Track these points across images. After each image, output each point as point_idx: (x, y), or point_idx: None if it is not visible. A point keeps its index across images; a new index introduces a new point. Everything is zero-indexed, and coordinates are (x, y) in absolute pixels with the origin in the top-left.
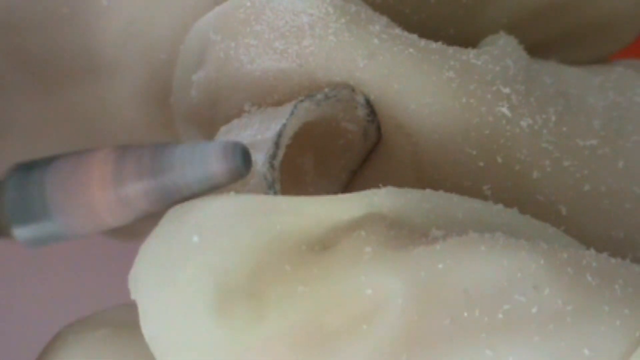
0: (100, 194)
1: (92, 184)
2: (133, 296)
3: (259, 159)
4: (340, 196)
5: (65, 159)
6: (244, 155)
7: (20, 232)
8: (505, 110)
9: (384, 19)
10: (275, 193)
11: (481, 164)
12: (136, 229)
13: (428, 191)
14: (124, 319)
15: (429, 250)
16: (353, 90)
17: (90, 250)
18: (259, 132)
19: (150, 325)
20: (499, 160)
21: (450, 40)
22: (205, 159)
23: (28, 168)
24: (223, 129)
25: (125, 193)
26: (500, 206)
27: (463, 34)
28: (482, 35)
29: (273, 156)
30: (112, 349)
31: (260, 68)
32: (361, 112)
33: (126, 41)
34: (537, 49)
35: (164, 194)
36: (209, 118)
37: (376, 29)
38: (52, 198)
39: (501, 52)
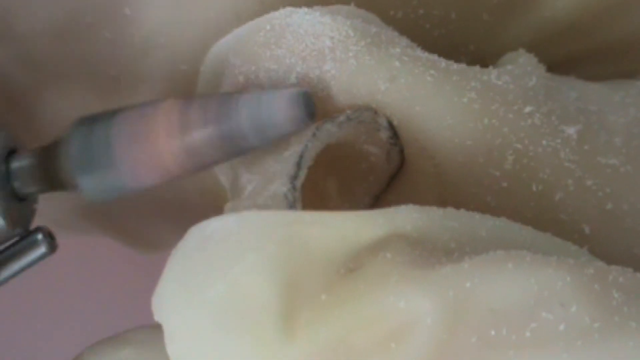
0: (165, 142)
1: (157, 132)
2: (157, 317)
3: (281, 181)
4: (363, 212)
5: (130, 110)
6: (309, 103)
7: (85, 181)
8: (527, 129)
9: (404, 40)
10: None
11: (504, 184)
12: (158, 238)
13: (450, 209)
14: (145, 339)
15: (457, 268)
16: (375, 112)
17: (112, 269)
18: (278, 162)
19: (176, 344)
20: (522, 180)
21: (471, 57)
22: (271, 106)
23: (92, 120)
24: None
25: (192, 140)
26: (522, 226)
27: (483, 51)
28: (503, 52)
29: (295, 177)
30: None
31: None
32: (384, 134)
33: (148, 52)
34: (559, 65)
35: (230, 141)
36: None
37: (397, 51)
38: (117, 147)
39: (522, 71)
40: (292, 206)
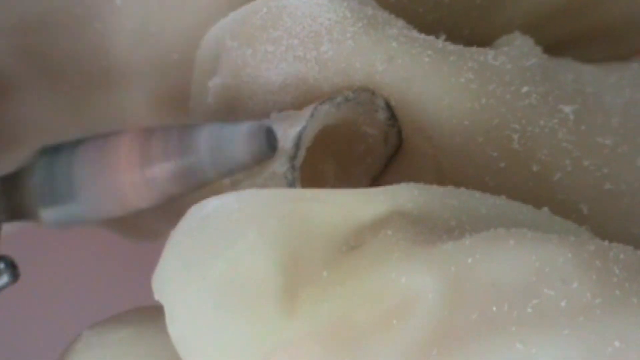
0: (126, 175)
1: (119, 164)
2: (157, 297)
3: (280, 162)
4: (364, 190)
5: (92, 141)
6: (270, 137)
7: (47, 214)
8: (524, 109)
9: (401, 22)
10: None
11: (502, 164)
12: (152, 228)
13: (450, 187)
14: (145, 319)
15: (458, 245)
16: (373, 93)
17: (110, 252)
18: (279, 135)
19: (177, 324)
20: (520, 160)
21: (465, 41)
22: (232, 140)
23: (55, 151)
24: None
25: (152, 173)
26: (521, 204)
27: (478, 34)
28: (497, 35)
29: (293, 157)
30: (134, 350)
31: (279, 74)
32: (381, 115)
33: (139, 41)
34: (553, 47)
35: (191, 175)
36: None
37: (394, 32)
38: (79, 179)
39: (518, 52)
40: (291, 185)
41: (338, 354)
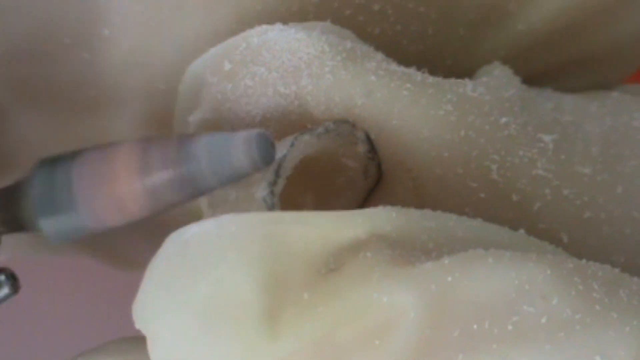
0: (126, 184)
1: (118, 174)
2: (138, 325)
3: (260, 186)
4: (343, 212)
5: (91, 151)
6: (268, 143)
7: (46, 224)
8: (503, 140)
9: (380, 55)
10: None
11: (482, 195)
12: (140, 258)
13: (427, 211)
14: (128, 349)
15: (438, 264)
16: (353, 125)
17: (94, 283)
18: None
19: (160, 349)
20: (500, 190)
21: (448, 71)
22: (230, 148)
23: (53, 162)
24: None
25: (152, 183)
26: (498, 227)
27: (460, 65)
28: (479, 66)
29: (273, 183)
30: None
31: (259, 108)
32: (361, 148)
33: (126, 71)
34: (535, 78)
35: (190, 184)
36: None
37: (373, 65)
38: (78, 190)
39: (497, 83)
40: (271, 209)
41: None
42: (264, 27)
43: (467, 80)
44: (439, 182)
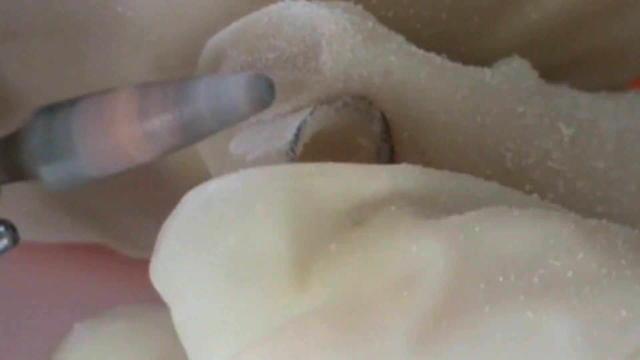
0: (126, 129)
1: (117, 119)
2: (157, 284)
3: (282, 144)
4: (367, 166)
5: (90, 98)
6: (268, 85)
7: (47, 172)
8: (519, 129)
9: (400, 37)
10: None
11: (495, 183)
12: (147, 241)
13: (446, 172)
14: (140, 312)
15: (464, 217)
16: (370, 103)
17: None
18: (275, 133)
19: (186, 309)
20: (513, 179)
21: (461, 59)
22: (230, 89)
23: (53, 109)
24: (235, 140)
25: (151, 126)
26: (515, 191)
27: (474, 53)
28: (494, 56)
29: (294, 141)
30: (128, 342)
31: (278, 78)
32: (376, 127)
33: (139, 49)
34: (550, 72)
35: (190, 125)
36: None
37: (392, 46)
38: (78, 136)
39: (515, 73)
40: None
41: (348, 328)
42: (287, 1)
43: (485, 69)
44: (452, 167)
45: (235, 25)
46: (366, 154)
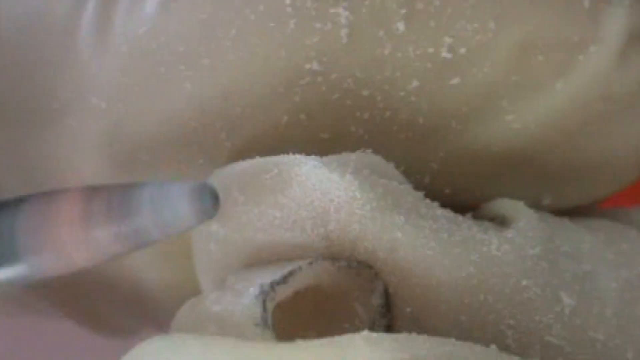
0: (69, 235)
1: (60, 224)
2: None
3: (261, 284)
4: (316, 342)
5: (34, 198)
6: (213, 196)
7: None
8: (521, 305)
9: (411, 198)
10: (265, 311)
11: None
12: (123, 326)
13: (404, 336)
14: None
15: None
16: (376, 274)
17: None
18: (273, 275)
19: None
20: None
21: (440, 162)
22: (174, 201)
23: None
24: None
25: (95, 235)
26: (473, 345)
27: (453, 158)
28: (472, 160)
29: (277, 282)
30: None
31: (284, 240)
32: (376, 300)
33: (110, 142)
34: (531, 187)
35: (134, 237)
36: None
37: (401, 219)
38: (21, 240)
39: (522, 239)
40: (264, 300)
41: None
42: (299, 157)
43: (492, 235)
44: None
45: (242, 165)
46: (360, 323)
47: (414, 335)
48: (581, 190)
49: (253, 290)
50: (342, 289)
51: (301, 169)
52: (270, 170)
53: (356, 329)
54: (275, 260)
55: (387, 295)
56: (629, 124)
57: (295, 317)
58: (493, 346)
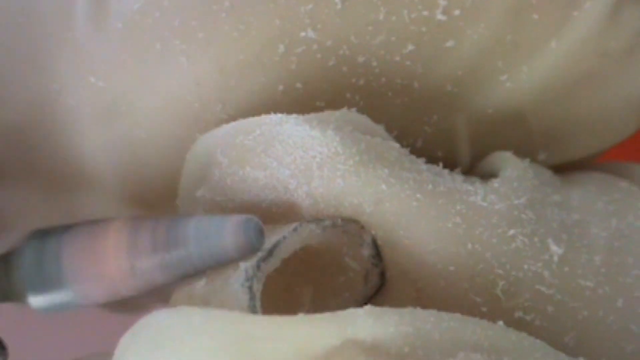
0: (114, 263)
1: (106, 253)
2: None
3: (250, 262)
4: (318, 316)
5: (81, 227)
6: (258, 230)
7: (36, 300)
8: (509, 254)
9: (395, 152)
10: (252, 298)
11: (484, 309)
12: (136, 302)
13: (407, 311)
14: None
15: None
16: (362, 227)
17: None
18: None
19: None
20: (502, 306)
21: (434, 127)
22: (220, 233)
23: (44, 235)
24: None
25: (140, 265)
26: (477, 320)
27: (447, 121)
28: (467, 123)
29: (262, 259)
30: None
31: (270, 201)
32: (366, 251)
33: (110, 120)
34: (527, 145)
35: (178, 267)
36: None
37: (385, 172)
38: (68, 267)
39: (508, 188)
40: (250, 285)
41: None
42: (280, 116)
43: (478, 186)
44: (443, 294)
45: (226, 129)
46: (354, 275)
47: (418, 309)
48: (577, 145)
49: (237, 278)
50: (331, 247)
51: (282, 127)
52: (252, 131)
53: (351, 281)
54: None
55: (376, 246)
56: (624, 79)
57: (289, 275)
58: (500, 322)
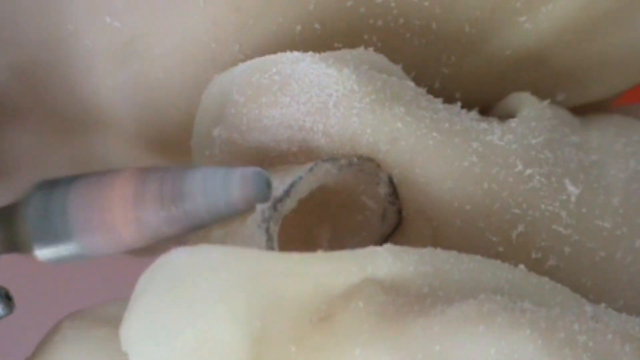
0: (121, 215)
1: (113, 204)
2: (124, 347)
3: (267, 205)
4: (337, 257)
5: (87, 178)
6: (266, 182)
7: (42, 252)
8: (526, 193)
9: (410, 90)
10: (269, 239)
11: (500, 249)
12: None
13: (426, 252)
14: (120, 314)
15: (427, 328)
16: (378, 165)
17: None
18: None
19: None
20: (519, 246)
21: (452, 68)
22: (227, 186)
23: (50, 186)
24: None
25: (147, 216)
26: (498, 263)
27: (466, 63)
28: (485, 64)
29: (279, 200)
30: (111, 350)
31: (285, 139)
32: (382, 190)
33: (125, 61)
34: (545, 86)
35: (185, 220)
36: None
37: (401, 110)
38: (74, 218)
39: (525, 128)
40: (267, 230)
41: None
42: (296, 54)
43: (495, 125)
44: (459, 233)
45: (242, 67)
46: (371, 214)
47: (438, 250)
48: (597, 85)
49: (254, 219)
50: (347, 186)
51: (298, 65)
52: (268, 70)
53: (368, 220)
54: (277, 164)
55: (392, 184)
56: None
57: (306, 216)
58: (521, 266)
